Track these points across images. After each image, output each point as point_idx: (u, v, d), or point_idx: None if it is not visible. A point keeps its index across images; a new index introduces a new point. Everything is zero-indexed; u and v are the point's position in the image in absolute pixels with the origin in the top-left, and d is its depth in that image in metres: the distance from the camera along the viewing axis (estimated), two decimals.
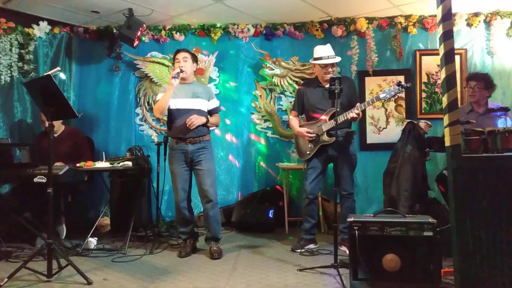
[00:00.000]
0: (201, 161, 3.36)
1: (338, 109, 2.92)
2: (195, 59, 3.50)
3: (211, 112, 3.50)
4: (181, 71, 3.28)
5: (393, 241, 2.40)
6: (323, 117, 3.36)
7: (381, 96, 3.12)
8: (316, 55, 3.41)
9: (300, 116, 3.66)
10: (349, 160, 3.35)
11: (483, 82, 3.39)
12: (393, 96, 3.17)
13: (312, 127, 3.40)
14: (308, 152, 3.42)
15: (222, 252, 3.34)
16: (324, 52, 3.38)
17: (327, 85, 3.39)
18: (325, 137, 3.32)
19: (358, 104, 3.21)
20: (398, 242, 2.40)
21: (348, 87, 3.24)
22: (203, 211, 3.48)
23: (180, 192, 3.36)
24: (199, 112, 3.36)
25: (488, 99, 3.48)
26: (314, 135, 3.34)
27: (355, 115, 3.16)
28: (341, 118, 3.21)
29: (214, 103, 3.53)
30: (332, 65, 3.39)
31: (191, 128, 3.27)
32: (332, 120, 3.26)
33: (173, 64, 3.49)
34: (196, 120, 3.28)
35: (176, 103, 3.35)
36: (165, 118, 3.55)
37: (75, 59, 4.66)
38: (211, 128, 3.54)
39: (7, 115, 4.27)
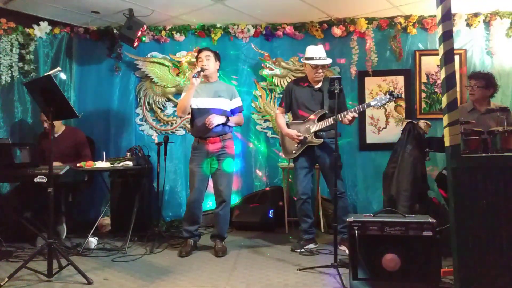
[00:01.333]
0: (220, 160, 3.38)
1: (336, 109, 2.92)
2: (217, 57, 3.51)
3: (233, 112, 3.50)
4: (202, 69, 3.29)
5: (393, 241, 2.41)
6: (311, 117, 3.36)
7: (372, 103, 3.13)
8: (307, 54, 3.41)
9: (286, 113, 3.64)
10: (335, 161, 3.35)
11: (484, 81, 3.40)
12: (383, 104, 3.19)
13: (299, 127, 3.40)
14: (294, 152, 3.43)
15: (226, 250, 3.38)
16: (316, 52, 3.38)
17: (316, 86, 3.43)
18: (312, 139, 3.33)
19: (356, 107, 3.20)
20: (398, 242, 2.40)
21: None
22: (214, 208, 3.50)
23: (196, 191, 3.37)
24: (219, 111, 3.37)
25: (490, 99, 3.49)
26: (302, 137, 3.35)
27: (349, 118, 3.13)
28: (329, 121, 3.23)
29: (237, 102, 3.53)
30: (323, 66, 3.39)
31: (210, 127, 3.28)
32: (321, 122, 3.27)
33: (196, 62, 3.49)
34: (214, 120, 3.28)
35: (198, 103, 3.37)
36: (181, 117, 3.49)
37: (75, 59, 4.67)
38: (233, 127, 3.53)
39: (7, 115, 4.28)
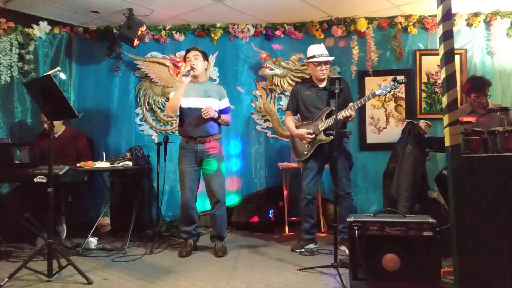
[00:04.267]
0: (210, 161, 3.37)
1: (336, 109, 2.92)
2: (205, 57, 3.52)
3: (222, 112, 3.50)
4: (192, 68, 3.30)
5: (393, 241, 2.40)
6: (319, 116, 3.35)
7: (377, 92, 3.11)
8: (309, 54, 3.41)
9: (294, 115, 3.64)
10: (344, 160, 3.35)
11: (486, 87, 3.40)
12: (389, 92, 3.14)
13: (308, 127, 3.39)
14: (305, 152, 3.41)
15: (226, 250, 3.38)
16: (317, 50, 3.37)
17: (321, 85, 3.42)
18: (322, 136, 3.31)
19: (351, 103, 3.20)
20: (398, 242, 2.40)
21: (343, 87, 3.22)
22: (210, 210, 3.49)
23: (188, 191, 3.37)
24: None
25: (488, 98, 3.48)
26: (313, 136, 3.34)
27: (347, 114, 3.14)
28: (334, 119, 3.20)
29: (225, 103, 3.54)
30: (326, 63, 3.38)
31: (205, 117, 3.28)
32: (329, 119, 3.26)
33: (184, 63, 3.50)
34: (212, 111, 3.29)
35: (188, 102, 3.36)
36: (171, 117, 3.52)
37: (75, 59, 4.66)
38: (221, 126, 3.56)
39: (7, 115, 4.28)
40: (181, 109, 3.38)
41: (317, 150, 3.36)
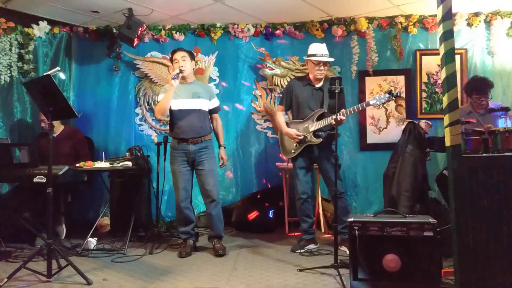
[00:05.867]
0: (203, 161, 3.37)
1: (336, 108, 2.92)
2: (192, 57, 3.51)
3: (211, 112, 3.51)
4: (181, 71, 3.29)
5: (393, 241, 2.40)
6: (310, 116, 3.35)
7: (371, 102, 3.13)
8: (310, 51, 3.41)
9: (286, 111, 3.62)
10: (333, 161, 3.34)
11: (489, 91, 3.40)
12: (383, 103, 3.18)
13: (298, 126, 3.39)
14: (293, 151, 3.42)
15: (226, 249, 3.37)
16: (319, 50, 3.37)
17: (317, 84, 3.41)
18: (311, 138, 3.32)
19: (343, 110, 3.19)
20: (398, 242, 2.40)
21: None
22: (206, 210, 3.49)
23: (182, 192, 3.37)
24: (200, 112, 3.38)
25: (489, 100, 3.48)
26: (302, 136, 3.34)
27: (338, 119, 3.10)
28: (328, 121, 3.22)
29: (215, 103, 3.55)
30: (325, 64, 3.37)
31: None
32: (320, 121, 3.27)
33: (172, 64, 3.50)
34: (225, 160, 3.57)
35: (178, 104, 3.36)
36: (167, 118, 3.54)
37: (74, 59, 4.66)
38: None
39: (6, 115, 4.27)
40: (171, 111, 3.37)
41: (304, 149, 3.38)
